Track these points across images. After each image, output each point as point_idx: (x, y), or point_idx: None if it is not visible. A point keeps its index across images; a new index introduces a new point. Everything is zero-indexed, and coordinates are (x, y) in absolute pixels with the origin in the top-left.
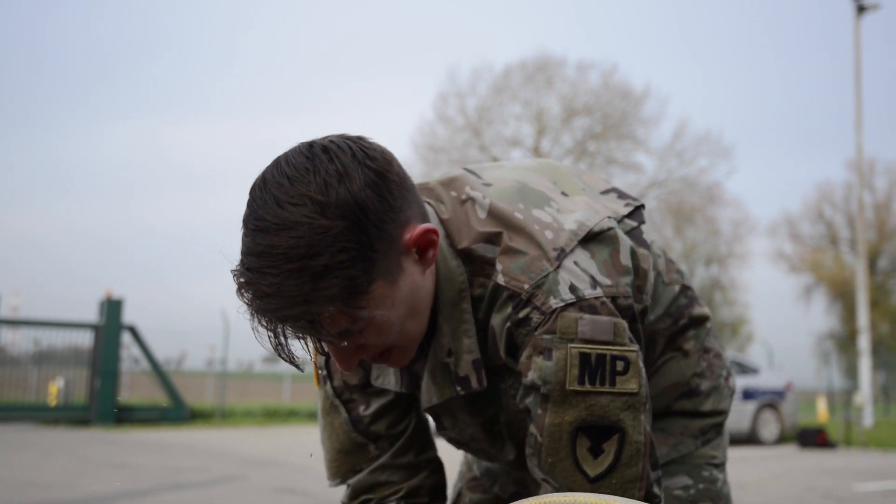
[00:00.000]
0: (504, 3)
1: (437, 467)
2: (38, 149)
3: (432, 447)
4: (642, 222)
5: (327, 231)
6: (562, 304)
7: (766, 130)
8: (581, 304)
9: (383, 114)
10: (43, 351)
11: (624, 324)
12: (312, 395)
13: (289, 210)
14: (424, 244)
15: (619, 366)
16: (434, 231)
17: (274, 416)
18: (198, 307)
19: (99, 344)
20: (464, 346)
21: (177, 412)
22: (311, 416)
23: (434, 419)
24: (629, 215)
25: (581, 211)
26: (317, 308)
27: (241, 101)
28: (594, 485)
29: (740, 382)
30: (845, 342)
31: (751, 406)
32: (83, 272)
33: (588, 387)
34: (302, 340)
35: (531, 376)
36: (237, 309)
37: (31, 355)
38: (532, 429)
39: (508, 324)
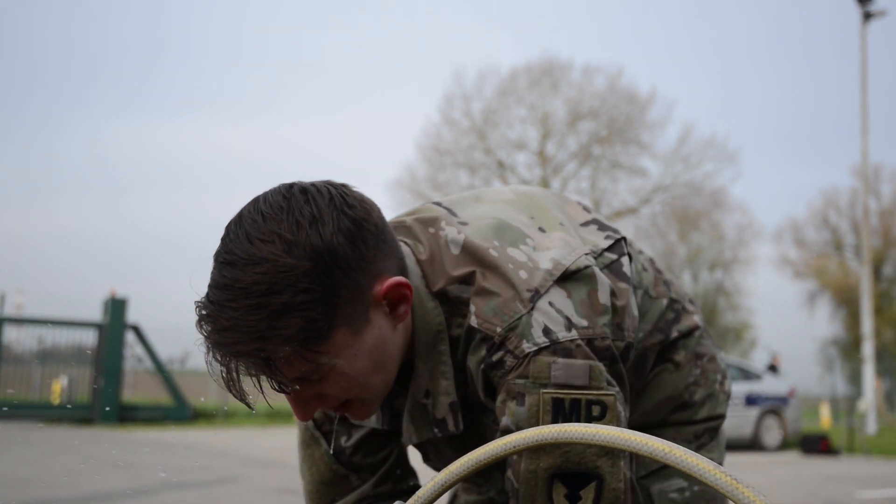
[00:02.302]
0: (510, 7)
1: (414, 489)
2: (43, 147)
3: (413, 475)
4: (623, 254)
5: (291, 270)
6: (535, 348)
7: (772, 136)
8: (555, 347)
9: (388, 115)
10: (47, 349)
11: (600, 366)
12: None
13: (257, 246)
14: (396, 298)
15: (595, 410)
16: (407, 285)
17: (276, 416)
18: None
19: (102, 343)
20: (441, 387)
21: (180, 412)
22: None
23: (419, 450)
24: (609, 248)
25: (557, 249)
26: (272, 347)
27: (247, 102)
28: None
29: (743, 388)
30: (849, 349)
31: (754, 412)
32: (87, 271)
33: None
34: (254, 379)
35: (505, 421)
36: (195, 342)
37: (34, 353)
38: (508, 473)
39: (482, 366)
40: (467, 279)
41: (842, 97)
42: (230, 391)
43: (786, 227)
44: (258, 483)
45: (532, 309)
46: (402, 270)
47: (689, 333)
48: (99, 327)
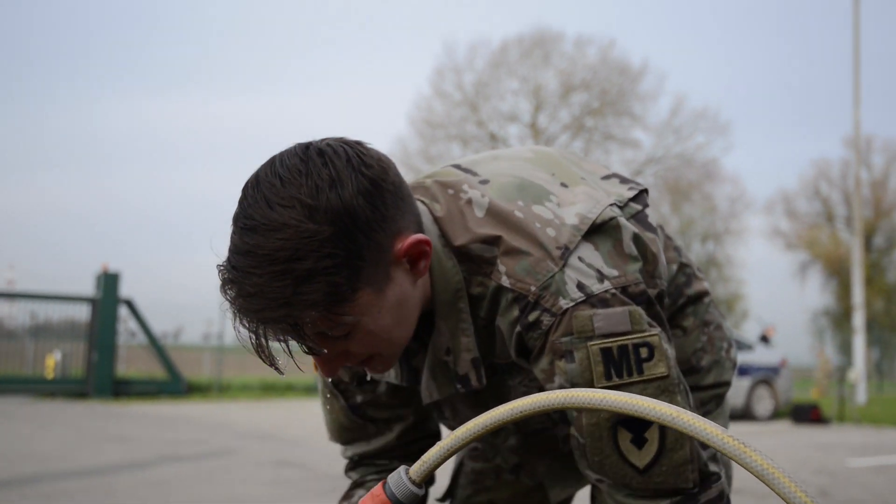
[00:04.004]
0: None
1: (437, 436)
2: (34, 123)
3: (432, 419)
4: (646, 205)
5: (314, 236)
6: (572, 303)
7: (764, 107)
8: (592, 300)
9: (380, 89)
10: (40, 324)
11: (639, 310)
12: (309, 370)
13: (278, 211)
14: (416, 254)
15: (644, 352)
16: (427, 242)
17: (271, 389)
18: (195, 281)
19: (96, 317)
20: (462, 344)
21: (174, 386)
22: (308, 390)
23: (435, 409)
24: (634, 199)
25: (582, 203)
26: (298, 312)
27: (238, 77)
28: (645, 475)
29: None
30: (840, 319)
31: (745, 382)
32: (80, 246)
33: (616, 380)
34: (283, 343)
35: (558, 381)
36: (220, 306)
37: (27, 328)
38: (573, 431)
39: (518, 328)
40: (492, 241)
41: (834, 68)
42: (260, 356)
43: (777, 198)
44: (254, 456)
45: (564, 266)
46: (420, 227)
47: (698, 299)
48: (92, 302)
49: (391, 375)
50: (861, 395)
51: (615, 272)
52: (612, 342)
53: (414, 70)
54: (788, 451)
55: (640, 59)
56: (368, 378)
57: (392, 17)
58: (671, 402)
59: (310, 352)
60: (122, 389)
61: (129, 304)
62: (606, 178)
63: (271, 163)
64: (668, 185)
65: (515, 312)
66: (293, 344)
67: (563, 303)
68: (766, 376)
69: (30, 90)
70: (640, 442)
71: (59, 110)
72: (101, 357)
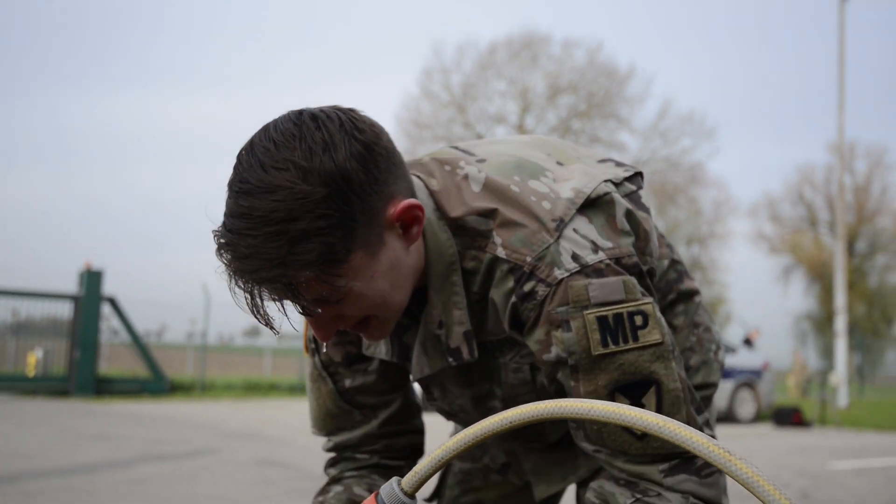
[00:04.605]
0: None
1: (419, 430)
2: (15, 119)
3: (418, 415)
4: (640, 187)
5: (308, 197)
6: (567, 273)
7: (750, 112)
8: (586, 270)
9: (367, 88)
10: (21, 321)
11: (633, 280)
12: (293, 369)
13: (272, 174)
14: (409, 219)
15: (638, 320)
16: (419, 207)
17: (255, 389)
18: (179, 279)
19: (78, 315)
20: (454, 317)
21: (157, 384)
22: (291, 389)
23: (423, 389)
24: (628, 179)
25: (577, 179)
26: (293, 272)
27: (225, 74)
28: (643, 441)
29: None
30: (822, 323)
31: (728, 385)
32: (63, 243)
33: (613, 347)
34: (278, 303)
35: (555, 351)
36: (215, 269)
37: (9, 325)
38: None
39: (513, 298)
40: (488, 213)
41: (819, 74)
42: (255, 317)
43: (762, 202)
44: (237, 455)
45: (559, 237)
46: (412, 193)
47: (688, 297)
48: (75, 299)
49: (382, 352)
50: (843, 399)
51: (609, 244)
52: (607, 310)
53: (402, 70)
54: (770, 453)
55: (628, 62)
56: (365, 348)
57: (380, 17)
58: (667, 367)
59: (304, 312)
60: (104, 388)
61: (112, 302)
62: (602, 161)
63: (265, 129)
64: (653, 189)
65: (510, 283)
66: (290, 328)
67: (558, 273)
68: (748, 379)
69: (20, 85)
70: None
71: (41, 107)
72: (83, 355)
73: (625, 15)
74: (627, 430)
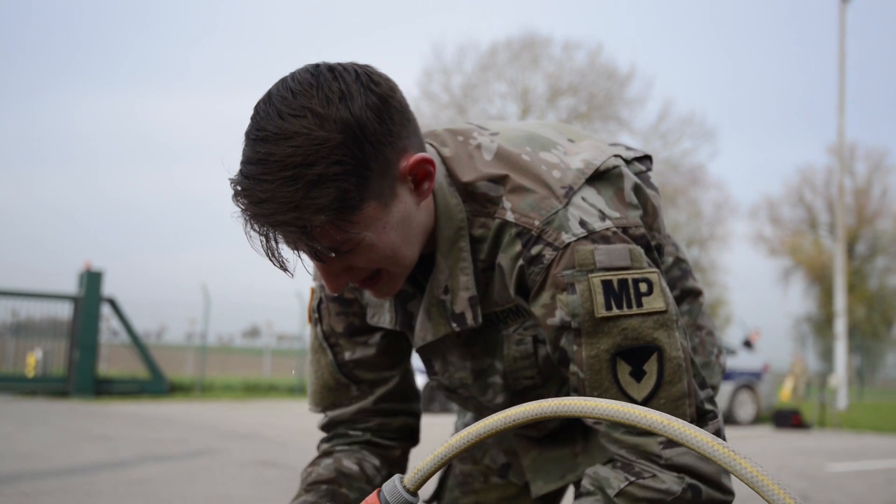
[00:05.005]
0: None
1: (414, 414)
2: (18, 119)
3: (416, 398)
4: (649, 168)
5: (324, 143)
6: (574, 238)
7: (750, 114)
8: (593, 236)
9: None
10: (21, 322)
11: (639, 250)
12: (292, 370)
13: (289, 121)
14: (421, 174)
15: (643, 287)
16: (431, 162)
17: (254, 390)
18: (178, 280)
19: (78, 316)
20: (460, 283)
21: (156, 385)
22: (290, 390)
23: (425, 363)
24: (638, 159)
25: (587, 152)
26: (308, 216)
27: (217, 74)
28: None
29: None
30: (822, 325)
31: (728, 387)
32: (63, 243)
33: (616, 311)
34: (293, 250)
35: (559, 315)
36: (231, 214)
37: (8, 326)
38: (573, 368)
39: (521, 262)
40: (499, 180)
41: (819, 76)
42: (270, 260)
43: (762, 204)
44: (236, 456)
45: (567, 204)
46: (422, 148)
47: (693, 295)
48: (74, 300)
49: (386, 320)
50: (842, 401)
51: (617, 214)
52: (612, 275)
53: (402, 71)
54: (770, 455)
55: (628, 64)
56: (370, 317)
57: (380, 17)
58: (670, 336)
59: (317, 257)
60: (103, 388)
61: (112, 303)
62: (613, 144)
63: (283, 81)
64: None
65: (518, 247)
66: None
67: (566, 237)
68: (748, 381)
69: (16, 84)
70: (638, 375)
71: (40, 106)
72: (82, 355)
73: (625, 17)
74: (628, 396)
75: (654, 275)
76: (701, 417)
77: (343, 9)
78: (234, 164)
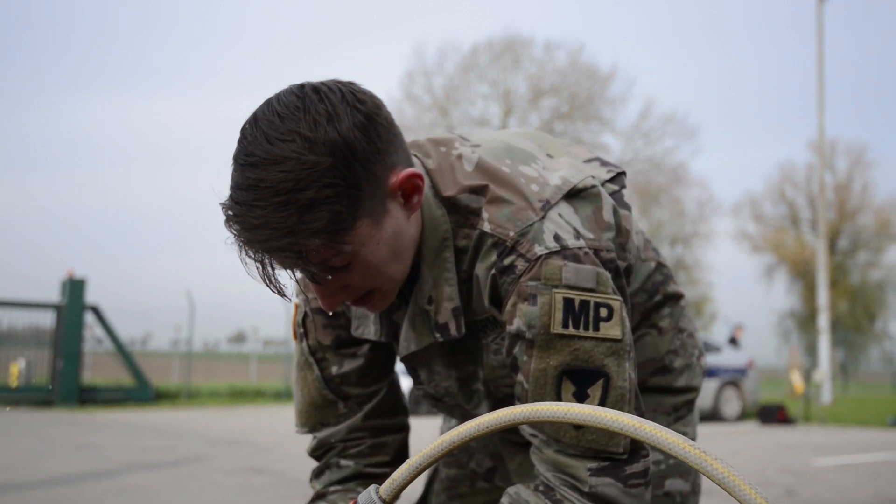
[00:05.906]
0: None
1: (404, 428)
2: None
3: (404, 412)
4: (623, 186)
5: (315, 166)
6: (546, 251)
7: (731, 111)
8: (565, 252)
9: None
10: (3, 331)
11: (607, 275)
12: (279, 376)
13: (278, 146)
14: (410, 189)
15: (603, 312)
16: (419, 176)
17: (240, 396)
18: (162, 287)
19: (61, 324)
20: (444, 293)
21: (142, 392)
22: (277, 396)
23: (411, 373)
24: (611, 180)
25: (565, 170)
26: (303, 240)
27: (205, 78)
28: (579, 431)
29: None
30: (805, 321)
31: (713, 384)
32: (45, 251)
33: (572, 330)
34: (289, 272)
35: (516, 323)
36: (225, 241)
37: None
38: (519, 377)
39: (493, 271)
40: (479, 190)
41: (799, 74)
42: (268, 286)
43: (744, 201)
44: (223, 463)
45: (543, 217)
46: (410, 163)
47: (674, 299)
48: (57, 308)
49: (371, 332)
50: (826, 396)
51: (591, 235)
52: (575, 294)
53: (384, 73)
54: (755, 451)
55: (610, 63)
56: (354, 328)
57: (362, 19)
58: (619, 365)
59: (313, 279)
60: (88, 397)
61: (96, 311)
62: (588, 161)
63: (268, 103)
64: (637, 189)
65: (493, 257)
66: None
67: (538, 249)
68: (733, 378)
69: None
70: (581, 397)
71: (23, 112)
72: (66, 364)
73: (606, 16)
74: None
75: (617, 303)
76: (634, 452)
77: (343, 9)
78: (225, 178)
